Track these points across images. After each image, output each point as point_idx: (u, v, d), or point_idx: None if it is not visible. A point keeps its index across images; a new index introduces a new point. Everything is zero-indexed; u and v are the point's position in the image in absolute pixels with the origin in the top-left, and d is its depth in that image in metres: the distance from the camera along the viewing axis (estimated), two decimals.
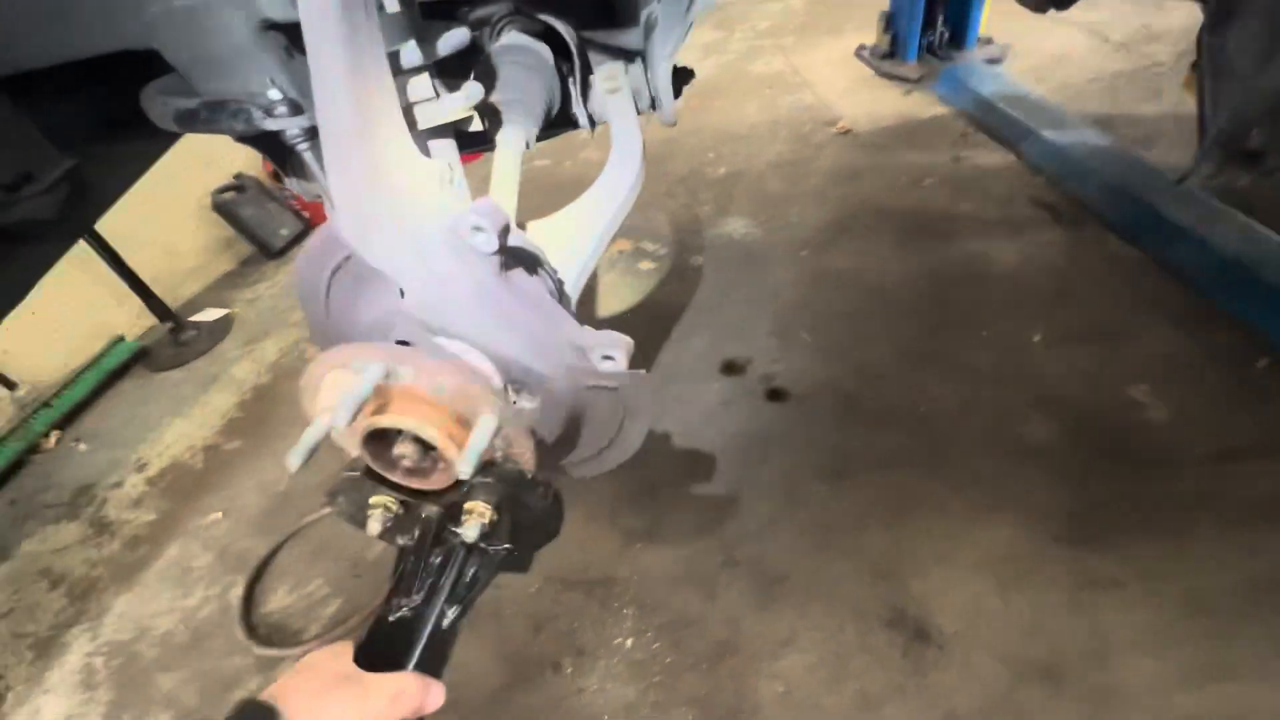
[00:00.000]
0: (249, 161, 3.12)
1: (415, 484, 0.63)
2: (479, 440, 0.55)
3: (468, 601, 0.60)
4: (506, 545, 0.62)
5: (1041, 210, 2.18)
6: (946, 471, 1.49)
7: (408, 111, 0.72)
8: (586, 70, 0.99)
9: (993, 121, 2.57)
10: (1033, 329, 1.78)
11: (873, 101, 3.01)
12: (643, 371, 0.65)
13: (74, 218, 1.13)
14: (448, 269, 0.61)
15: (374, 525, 0.63)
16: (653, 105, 1.08)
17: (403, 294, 0.67)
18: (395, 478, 0.63)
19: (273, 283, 2.94)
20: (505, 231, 0.58)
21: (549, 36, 0.94)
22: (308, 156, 0.81)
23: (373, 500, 0.63)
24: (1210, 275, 1.73)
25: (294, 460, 0.54)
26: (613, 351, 0.64)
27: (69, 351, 2.52)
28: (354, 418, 0.55)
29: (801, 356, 1.86)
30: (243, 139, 0.95)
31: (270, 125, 0.77)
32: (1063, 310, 1.81)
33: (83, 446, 2.28)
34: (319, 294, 0.72)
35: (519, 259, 0.66)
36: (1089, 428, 1.52)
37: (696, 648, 1.31)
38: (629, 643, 1.34)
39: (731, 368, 1.89)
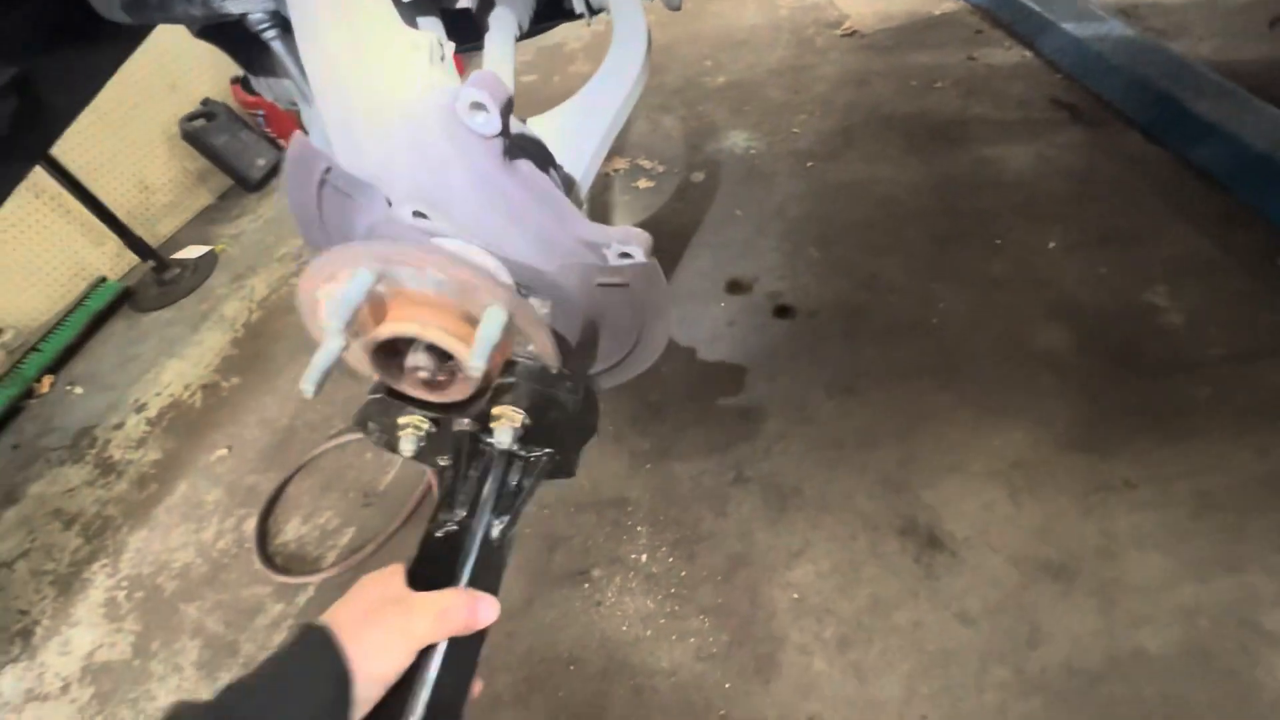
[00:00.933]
0: (216, 86, 2.92)
1: (439, 397, 0.58)
2: (488, 331, 0.50)
3: (515, 511, 0.57)
4: (547, 449, 0.59)
5: (1060, 110, 2.06)
6: (958, 382, 1.48)
7: None
8: None
9: (1008, 15, 2.40)
10: (1048, 235, 1.72)
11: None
12: (654, 261, 0.60)
13: (28, 137, 1.04)
14: (443, 156, 0.55)
15: (406, 446, 0.59)
16: None
17: (389, 203, 0.61)
18: (418, 394, 0.58)
19: (255, 216, 2.82)
20: (509, 108, 0.51)
21: None
22: (277, 46, 0.73)
23: (401, 421, 0.59)
24: (1237, 171, 1.66)
25: (307, 386, 0.49)
26: (629, 248, 0.59)
27: (51, 296, 2.44)
28: (347, 328, 0.49)
29: (809, 272, 1.81)
30: (203, 34, 0.86)
31: (232, 7, 0.69)
32: (1080, 214, 1.74)
33: (78, 390, 2.24)
34: (310, 210, 0.64)
35: (524, 148, 0.60)
36: (1104, 333, 1.49)
37: (710, 561, 1.33)
38: (643, 558, 1.36)
39: (737, 286, 1.83)
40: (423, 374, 0.56)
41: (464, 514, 0.54)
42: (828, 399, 1.52)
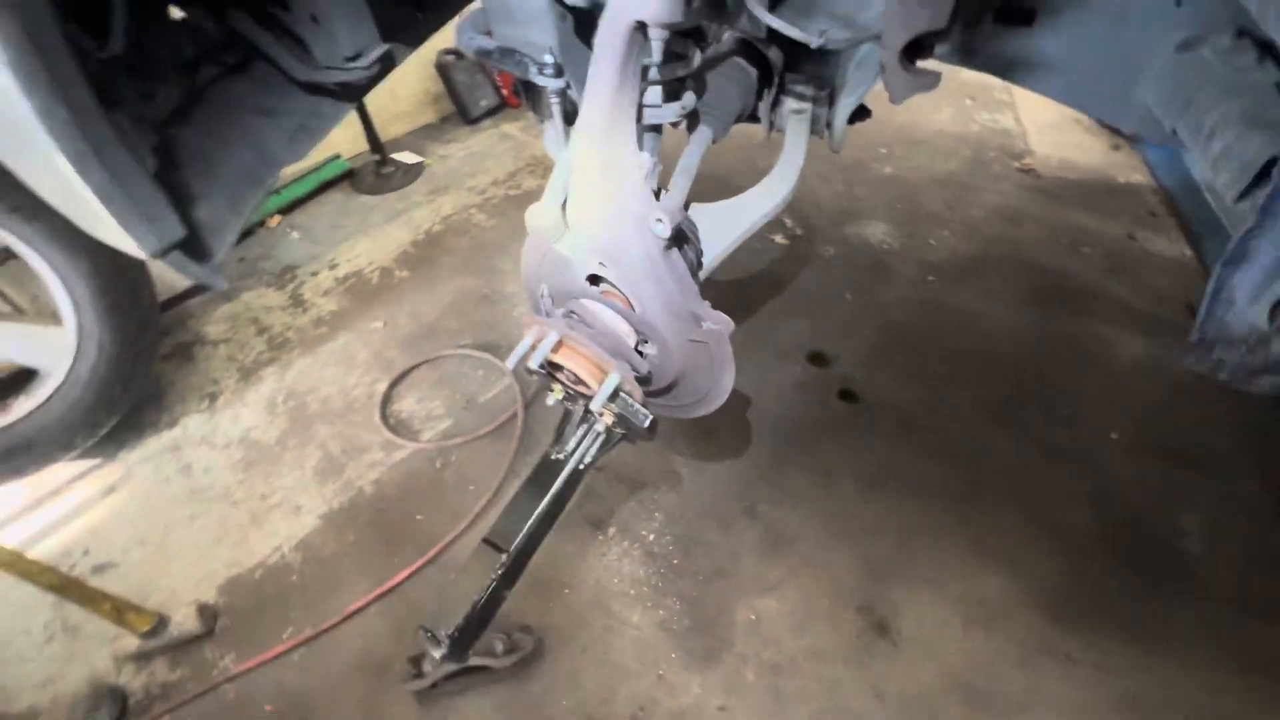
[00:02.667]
0: None
1: (576, 389, 0.95)
2: (604, 390, 0.85)
3: (595, 458, 0.94)
4: (622, 433, 0.94)
5: (1193, 318, 2.11)
6: (972, 515, 1.66)
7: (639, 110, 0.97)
8: (782, 91, 1.18)
9: (1189, 209, 2.42)
10: (1117, 426, 1.83)
11: (1073, 146, 2.87)
12: (728, 327, 0.91)
13: (370, 84, 1.48)
14: (630, 236, 0.88)
15: (553, 398, 0.96)
16: (828, 129, 1.26)
17: (592, 279, 0.97)
18: (565, 379, 0.95)
19: (463, 145, 3.35)
20: (678, 229, 0.83)
21: (760, 57, 1.14)
22: (554, 108, 1.09)
23: (553, 385, 0.96)
24: None
25: (510, 363, 0.86)
26: (717, 324, 0.90)
27: None
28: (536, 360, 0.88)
29: (886, 371, 2.02)
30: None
31: (538, 80, 1.05)
32: (1157, 420, 1.84)
33: (295, 234, 2.85)
34: (535, 266, 1.03)
35: (679, 240, 0.92)
36: (1122, 532, 1.61)
37: (700, 563, 1.62)
38: (650, 537, 1.67)
39: (818, 358, 2.08)
40: (569, 379, 0.92)
41: (569, 450, 0.92)
42: (853, 482, 1.75)
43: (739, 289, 2.34)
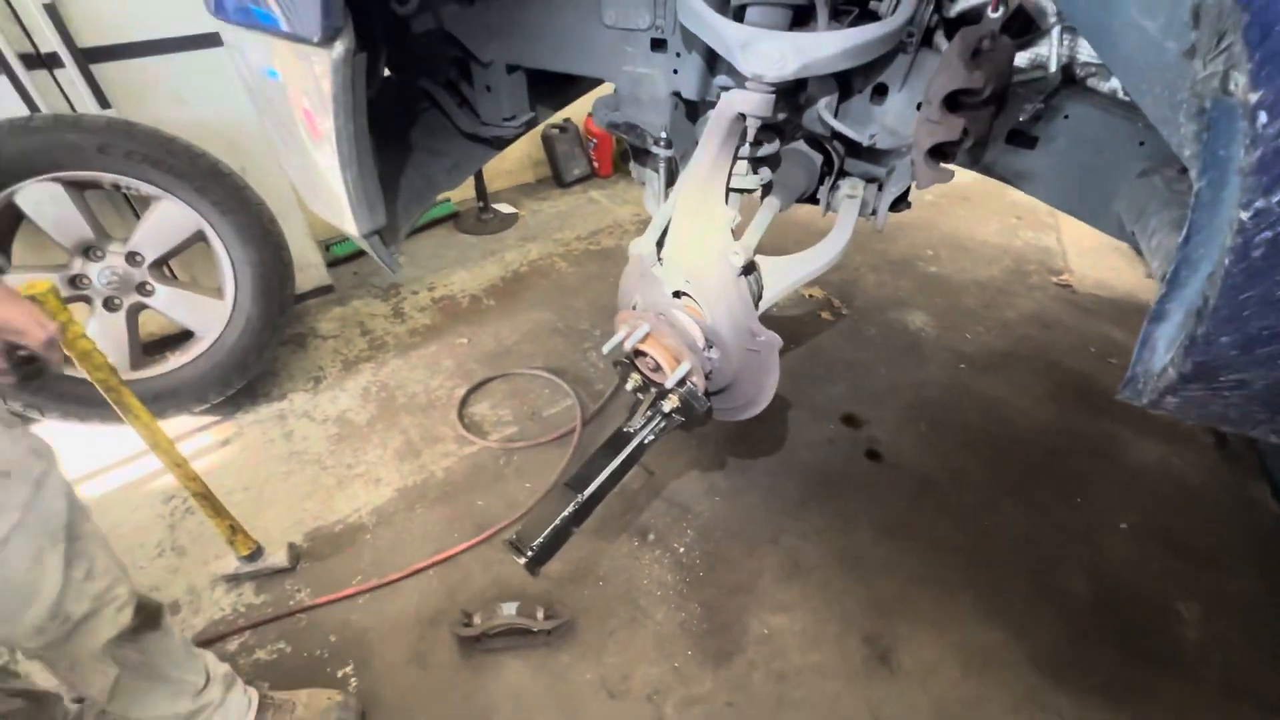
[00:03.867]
0: (577, 112, 4.01)
1: (652, 376, 1.22)
2: (678, 372, 1.12)
3: (658, 437, 1.19)
4: (682, 419, 1.20)
5: (1209, 436, 2.24)
6: (978, 573, 1.79)
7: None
8: (839, 176, 1.49)
9: None
10: (1127, 517, 1.95)
11: (1111, 270, 3.09)
12: (778, 342, 1.16)
13: (513, 138, 1.87)
14: (712, 264, 1.17)
15: (629, 384, 1.23)
16: (873, 214, 1.55)
17: (676, 294, 1.26)
18: (643, 367, 1.22)
19: (554, 204, 3.81)
20: (749, 263, 1.12)
21: (824, 149, 1.46)
22: (660, 171, 1.43)
23: (632, 375, 1.23)
24: None
25: (606, 349, 1.15)
26: (769, 340, 1.16)
27: None
28: (629, 344, 1.16)
29: (911, 440, 2.21)
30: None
31: (653, 150, 1.39)
32: (1165, 516, 1.95)
33: (402, 259, 3.29)
34: (633, 281, 1.33)
35: (750, 268, 1.20)
36: (1120, 607, 1.72)
37: (723, 577, 1.79)
38: (681, 549, 1.86)
39: (850, 420, 2.28)
40: (648, 364, 1.19)
41: (638, 426, 1.17)
42: (870, 528, 1.92)
43: (787, 353, 2.60)
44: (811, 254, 1.38)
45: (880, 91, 1.21)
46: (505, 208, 3.68)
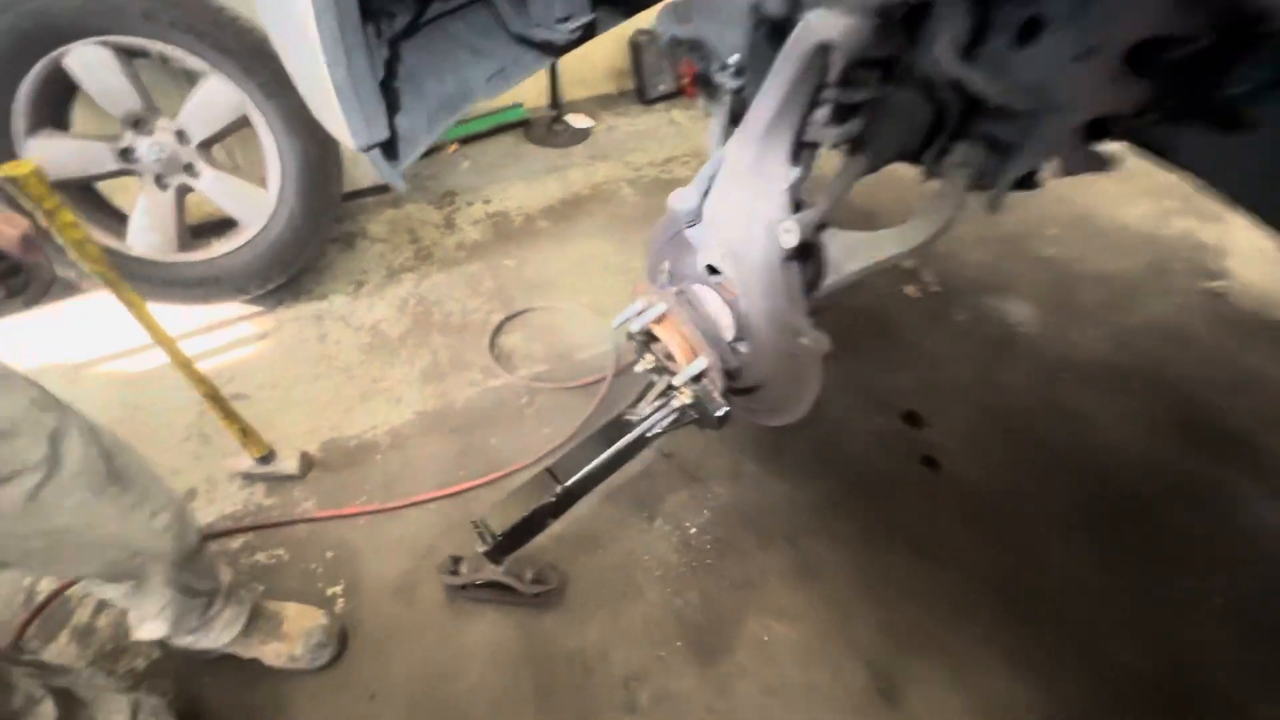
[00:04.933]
0: None
1: (665, 361, 1.02)
2: (690, 371, 0.92)
3: (663, 432, 1.01)
4: (694, 416, 1.01)
5: None
6: (1019, 619, 1.57)
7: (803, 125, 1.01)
8: (953, 138, 1.17)
9: None
10: (1221, 591, 1.64)
11: None
12: (824, 348, 0.94)
13: (569, 46, 1.62)
14: (756, 237, 0.94)
15: (642, 365, 1.04)
16: (983, 186, 1.23)
17: (710, 269, 1.02)
18: (657, 351, 1.03)
19: (632, 121, 3.50)
20: (803, 244, 0.88)
21: (938, 102, 1.13)
22: (725, 106, 1.16)
23: (646, 355, 1.04)
24: None
25: (615, 322, 0.95)
26: (813, 341, 0.93)
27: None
28: (638, 325, 0.96)
29: (978, 451, 1.92)
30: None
31: (718, 77, 1.12)
32: (1275, 601, 1.62)
33: (465, 164, 3.13)
34: (661, 240, 1.10)
35: (802, 255, 0.96)
36: (1186, 698, 1.46)
37: (730, 569, 1.65)
38: (692, 530, 1.72)
39: (912, 418, 2.01)
40: (663, 351, 0.99)
41: (643, 414, 0.99)
42: (904, 545, 1.70)
43: (854, 325, 2.31)
44: (897, 233, 1.10)
45: (1031, 29, 0.88)
46: (579, 120, 3.41)
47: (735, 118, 1.24)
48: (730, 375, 1.00)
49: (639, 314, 0.95)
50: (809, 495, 1.80)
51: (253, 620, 1.38)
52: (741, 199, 0.96)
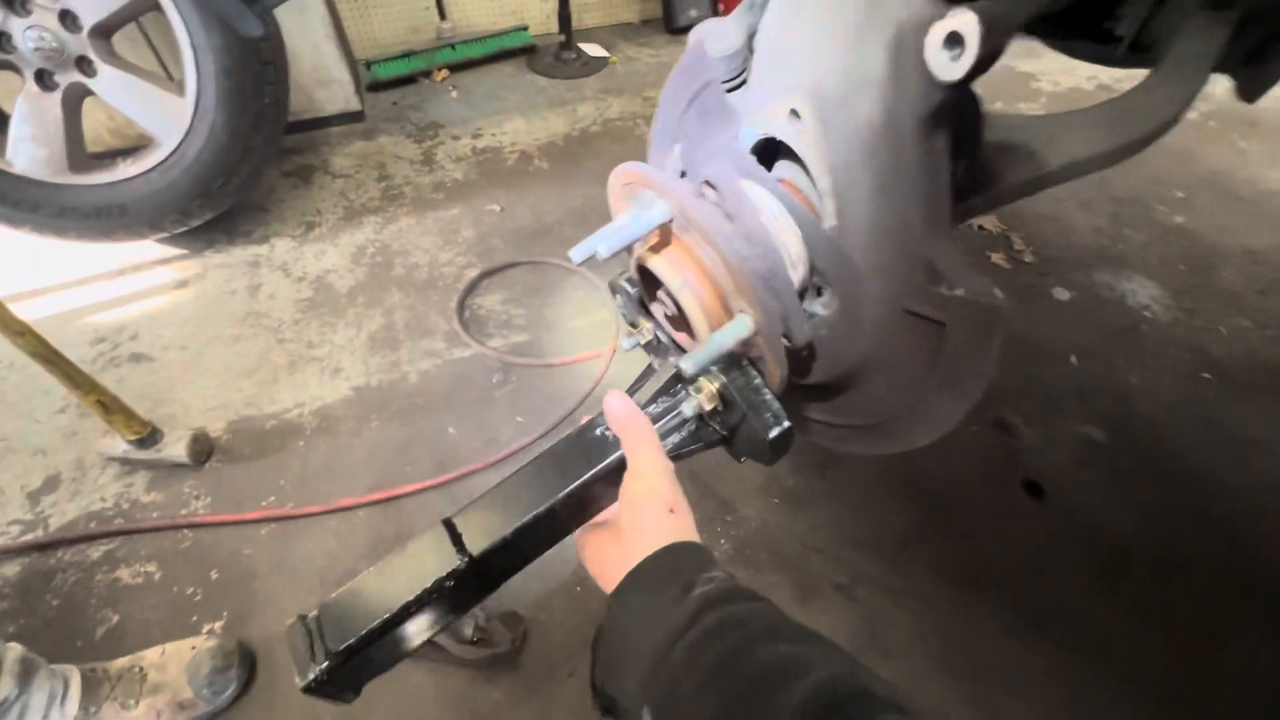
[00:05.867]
0: None
1: (671, 329, 0.53)
2: (720, 339, 0.43)
3: (678, 457, 0.57)
4: (720, 435, 0.55)
5: None
6: (1127, 697, 1.08)
7: None
8: None
9: None
10: None
11: None
12: (997, 302, 0.44)
13: None
14: (871, 72, 0.44)
15: (627, 341, 0.59)
16: (1247, 68, 0.71)
17: (767, 148, 0.52)
18: (657, 313, 0.54)
19: (655, 53, 2.96)
20: (987, 61, 0.38)
21: None
22: None
23: (640, 319, 0.57)
24: None
25: (574, 255, 0.47)
26: (974, 299, 0.44)
27: (490, 12, 2.85)
28: (618, 251, 0.46)
29: (1096, 477, 1.42)
30: None
31: None
32: None
33: (454, 93, 2.64)
34: (676, 108, 0.60)
35: (961, 116, 0.46)
36: None
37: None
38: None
39: (1005, 426, 1.51)
40: (666, 310, 0.50)
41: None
42: (1001, 608, 1.22)
43: None
44: (1106, 111, 0.60)
45: None
46: (593, 49, 2.89)
47: None
48: (796, 357, 0.51)
49: (620, 230, 0.46)
50: (868, 527, 1.32)
51: (92, 691, 0.97)
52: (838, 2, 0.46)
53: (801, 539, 1.29)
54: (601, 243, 0.46)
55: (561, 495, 0.56)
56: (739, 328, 0.44)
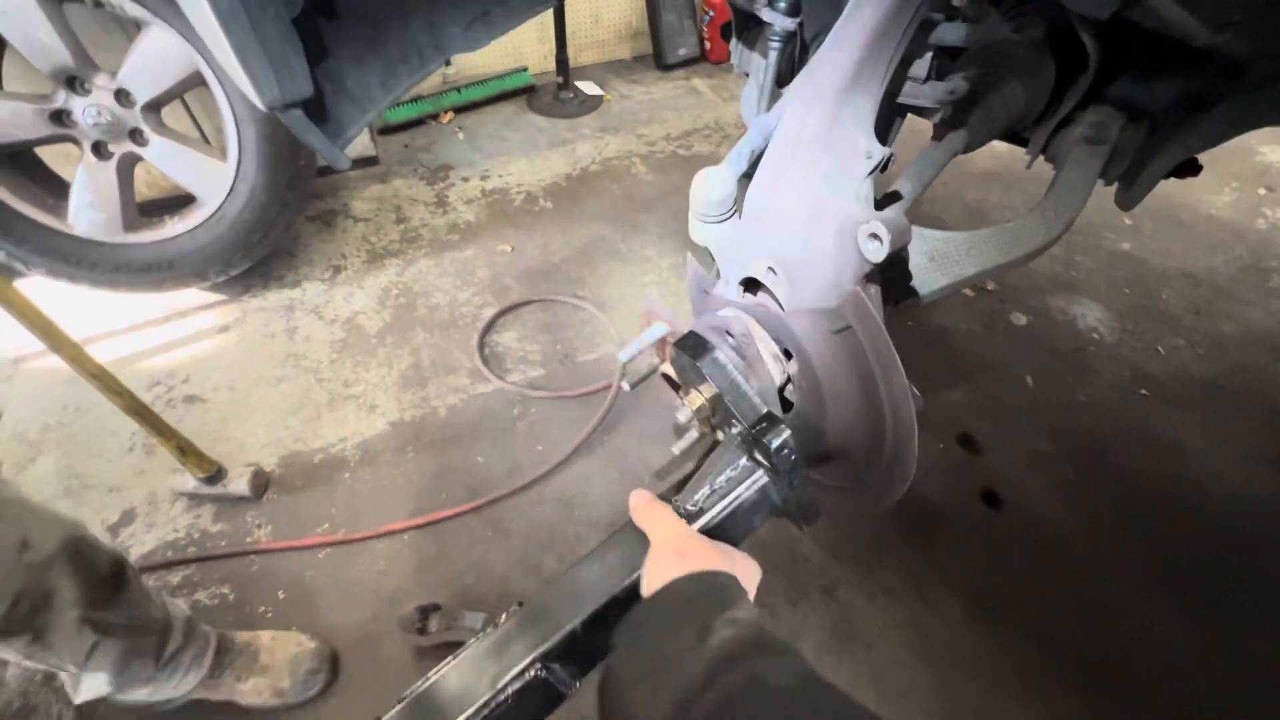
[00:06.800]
0: None
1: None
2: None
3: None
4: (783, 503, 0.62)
5: None
6: (1105, 701, 1.29)
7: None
8: (1082, 107, 0.86)
9: None
10: None
11: None
12: (918, 399, 0.62)
13: None
14: (826, 249, 0.64)
15: (683, 413, 0.68)
16: (1123, 183, 0.92)
17: (749, 284, 0.72)
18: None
19: (647, 90, 3.16)
20: (897, 249, 0.58)
21: (1069, 51, 0.82)
22: (772, 55, 0.85)
23: (691, 399, 0.68)
24: None
25: (622, 356, 0.67)
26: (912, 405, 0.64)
27: (491, 54, 3.04)
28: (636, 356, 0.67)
29: (1046, 485, 1.63)
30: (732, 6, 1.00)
31: (765, 14, 0.81)
32: None
33: (460, 135, 2.82)
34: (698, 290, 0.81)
35: (891, 272, 0.66)
36: None
37: None
38: None
39: (967, 442, 1.72)
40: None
41: (704, 495, 0.60)
42: (963, 603, 1.43)
43: (894, 327, 2.00)
44: (1004, 235, 0.80)
45: None
46: (589, 87, 3.08)
47: (782, 78, 0.93)
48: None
49: (644, 347, 0.66)
50: (846, 538, 1.52)
51: (221, 655, 1.18)
52: (802, 187, 0.66)
53: (788, 550, 1.49)
54: (623, 355, 0.67)
55: (619, 590, 0.54)
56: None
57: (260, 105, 0.79)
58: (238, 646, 1.21)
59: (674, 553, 0.49)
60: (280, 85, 0.76)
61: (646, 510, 0.57)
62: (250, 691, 1.18)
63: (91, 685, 1.00)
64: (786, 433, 0.55)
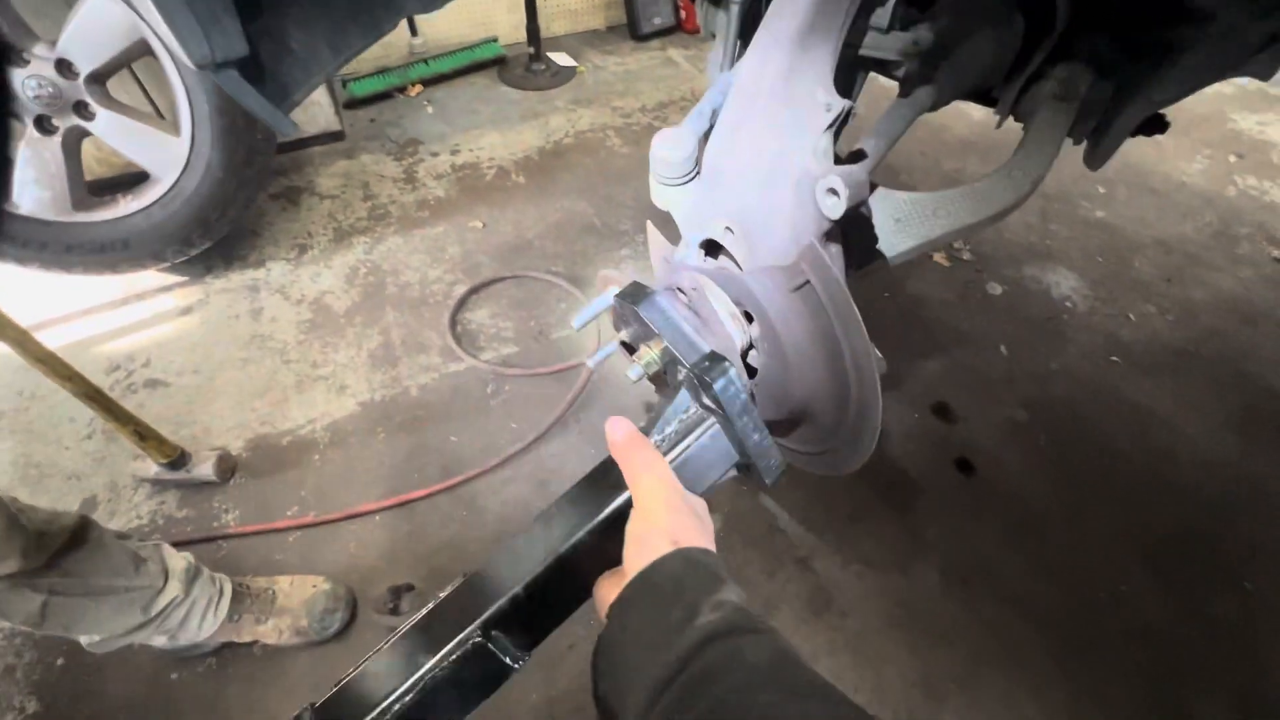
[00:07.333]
0: None
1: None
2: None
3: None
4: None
5: None
6: (1077, 664, 1.31)
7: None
8: (1050, 62, 0.84)
9: None
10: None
11: None
12: (881, 362, 0.60)
13: None
14: (782, 204, 0.62)
15: (633, 373, 0.65)
16: (1091, 140, 0.90)
17: (708, 245, 0.70)
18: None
19: (622, 60, 3.09)
20: (856, 208, 0.56)
21: (1038, 6, 0.80)
22: (734, 13, 0.82)
23: (640, 353, 0.65)
24: None
25: (575, 323, 0.64)
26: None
27: (460, 25, 2.94)
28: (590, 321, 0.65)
29: (1020, 453, 1.64)
30: None
31: None
32: None
33: (429, 109, 2.74)
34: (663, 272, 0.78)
35: (851, 229, 0.64)
36: None
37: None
38: None
39: (942, 411, 1.72)
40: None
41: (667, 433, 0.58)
42: (938, 571, 1.44)
43: (869, 296, 2.00)
44: (971, 194, 0.78)
45: None
46: (562, 59, 3.00)
47: (746, 34, 0.90)
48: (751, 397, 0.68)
49: (599, 312, 0.63)
50: (821, 508, 1.53)
51: (238, 602, 1.23)
52: (758, 143, 0.63)
53: (765, 523, 1.49)
54: (580, 321, 0.65)
55: (565, 549, 0.52)
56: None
57: (190, 64, 0.74)
58: (254, 591, 1.26)
59: (668, 540, 0.47)
60: (210, 42, 0.72)
61: (628, 450, 0.52)
62: (271, 632, 1.24)
63: (88, 640, 1.06)
64: (731, 369, 0.52)
